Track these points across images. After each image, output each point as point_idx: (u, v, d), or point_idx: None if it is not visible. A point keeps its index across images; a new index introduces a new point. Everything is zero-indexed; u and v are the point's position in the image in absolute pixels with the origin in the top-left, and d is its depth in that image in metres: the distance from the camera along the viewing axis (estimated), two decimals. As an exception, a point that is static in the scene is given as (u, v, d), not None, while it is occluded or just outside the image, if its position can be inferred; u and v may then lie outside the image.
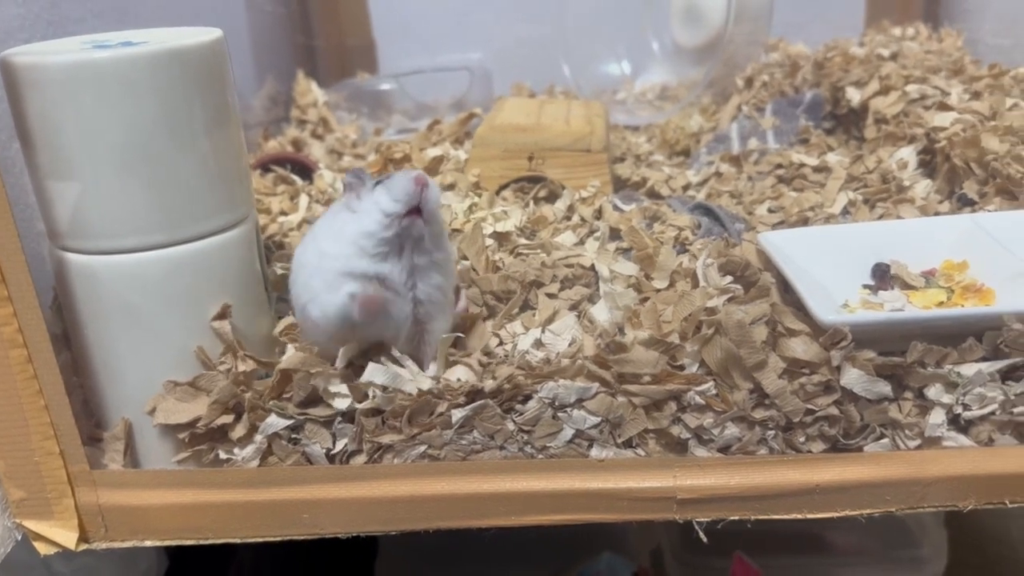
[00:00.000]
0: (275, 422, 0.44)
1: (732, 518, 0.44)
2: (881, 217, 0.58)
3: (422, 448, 0.44)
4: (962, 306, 0.48)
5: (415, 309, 0.44)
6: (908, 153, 0.65)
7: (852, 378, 0.42)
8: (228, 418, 0.44)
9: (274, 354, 0.48)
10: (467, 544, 0.79)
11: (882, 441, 0.43)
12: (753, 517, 0.44)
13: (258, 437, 0.44)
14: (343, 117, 0.94)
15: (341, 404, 0.44)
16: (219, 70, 0.44)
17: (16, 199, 0.50)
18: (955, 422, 0.43)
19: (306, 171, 0.75)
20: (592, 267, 0.54)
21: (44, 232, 0.44)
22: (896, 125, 0.69)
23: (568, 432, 0.44)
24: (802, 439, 0.43)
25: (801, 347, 0.43)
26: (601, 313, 0.49)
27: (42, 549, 0.45)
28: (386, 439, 0.44)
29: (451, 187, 0.67)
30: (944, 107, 0.67)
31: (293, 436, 0.44)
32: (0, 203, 0.38)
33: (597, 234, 0.58)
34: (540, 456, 0.44)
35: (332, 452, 0.44)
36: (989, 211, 0.55)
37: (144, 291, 0.43)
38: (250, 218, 0.47)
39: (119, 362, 0.44)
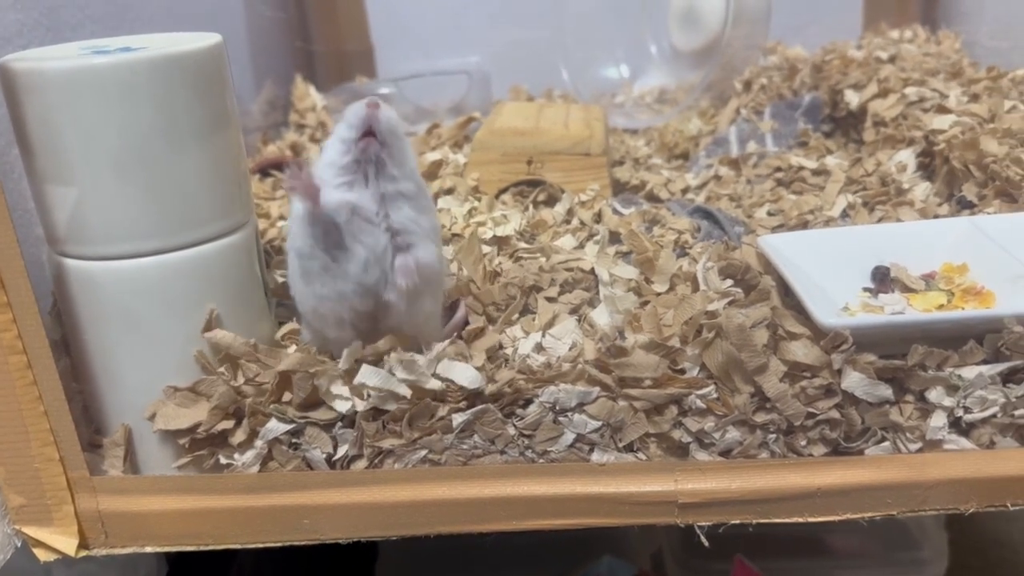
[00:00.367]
0: (275, 427, 0.44)
1: (734, 522, 0.44)
2: (880, 220, 0.59)
3: (423, 453, 0.44)
4: (962, 309, 0.48)
5: (393, 240, 0.44)
6: (907, 156, 0.65)
7: (853, 381, 0.42)
8: (228, 423, 0.44)
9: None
10: (467, 548, 0.79)
11: (883, 444, 0.43)
12: (755, 521, 0.44)
13: (258, 442, 0.44)
14: (341, 121, 0.93)
15: (342, 406, 0.44)
16: (219, 75, 0.44)
17: (15, 204, 0.49)
18: (956, 425, 0.43)
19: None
20: (592, 271, 0.54)
21: (43, 237, 0.44)
22: (895, 128, 0.69)
23: (569, 436, 0.44)
24: (803, 442, 0.43)
25: (802, 350, 0.43)
26: (601, 317, 0.49)
27: (42, 556, 0.45)
28: (387, 443, 0.44)
29: (450, 191, 0.67)
30: (943, 110, 0.67)
31: (293, 441, 0.44)
32: (-1, 209, 0.38)
33: (597, 238, 0.58)
34: (541, 460, 0.44)
35: (333, 457, 0.44)
36: (988, 213, 0.55)
37: (144, 297, 0.43)
38: (250, 223, 0.47)
39: (119, 368, 0.44)
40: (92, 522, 0.44)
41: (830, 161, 0.69)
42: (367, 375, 0.43)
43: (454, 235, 0.60)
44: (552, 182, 0.67)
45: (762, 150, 0.74)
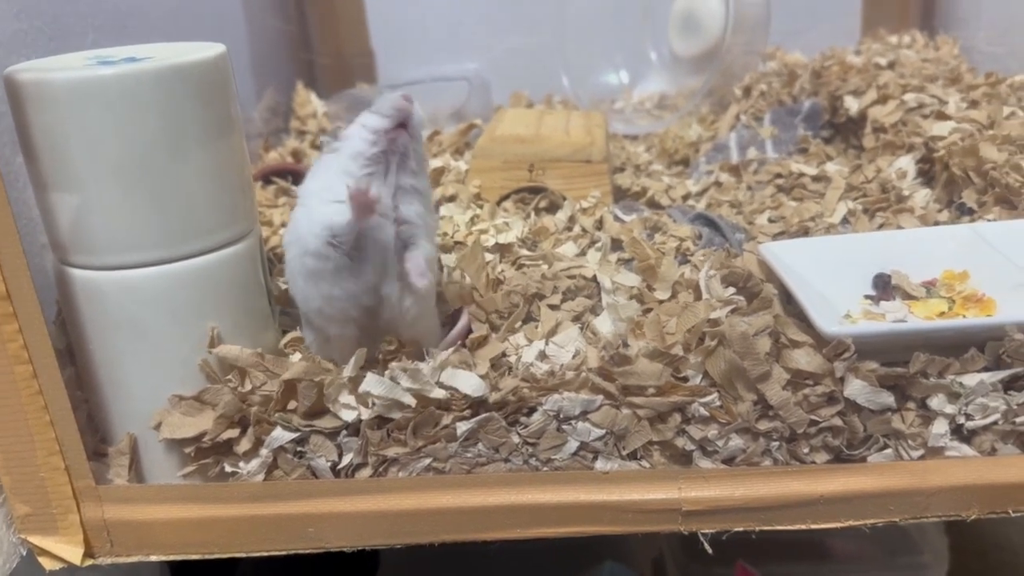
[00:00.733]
0: (280, 435, 0.44)
1: (737, 529, 0.44)
2: (881, 226, 0.59)
3: (427, 461, 0.44)
4: (964, 316, 0.48)
5: (398, 230, 0.44)
6: (907, 162, 0.65)
7: (855, 389, 0.42)
8: (234, 432, 0.44)
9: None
10: (467, 554, 0.79)
11: (885, 451, 0.44)
12: (758, 528, 0.44)
13: (263, 451, 0.44)
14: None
15: (348, 415, 0.44)
16: (223, 85, 0.44)
17: (20, 214, 0.49)
18: (958, 432, 0.44)
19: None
20: (594, 278, 0.54)
21: (48, 246, 0.44)
22: (894, 134, 0.69)
23: (573, 444, 0.44)
24: (806, 450, 0.43)
25: (804, 358, 0.43)
26: (604, 325, 0.49)
27: (47, 564, 0.45)
28: (391, 452, 0.44)
29: (452, 199, 0.67)
30: (942, 116, 0.67)
31: (298, 449, 0.44)
32: (4, 218, 0.38)
33: (599, 245, 0.58)
34: (545, 469, 0.45)
35: (338, 466, 0.44)
36: (988, 220, 0.55)
37: (149, 306, 0.43)
38: (254, 232, 0.47)
39: (124, 377, 0.45)
40: (97, 531, 0.45)
41: (830, 167, 0.69)
42: (372, 384, 0.43)
43: (456, 243, 0.60)
44: (553, 189, 0.68)
45: (762, 156, 0.74)
